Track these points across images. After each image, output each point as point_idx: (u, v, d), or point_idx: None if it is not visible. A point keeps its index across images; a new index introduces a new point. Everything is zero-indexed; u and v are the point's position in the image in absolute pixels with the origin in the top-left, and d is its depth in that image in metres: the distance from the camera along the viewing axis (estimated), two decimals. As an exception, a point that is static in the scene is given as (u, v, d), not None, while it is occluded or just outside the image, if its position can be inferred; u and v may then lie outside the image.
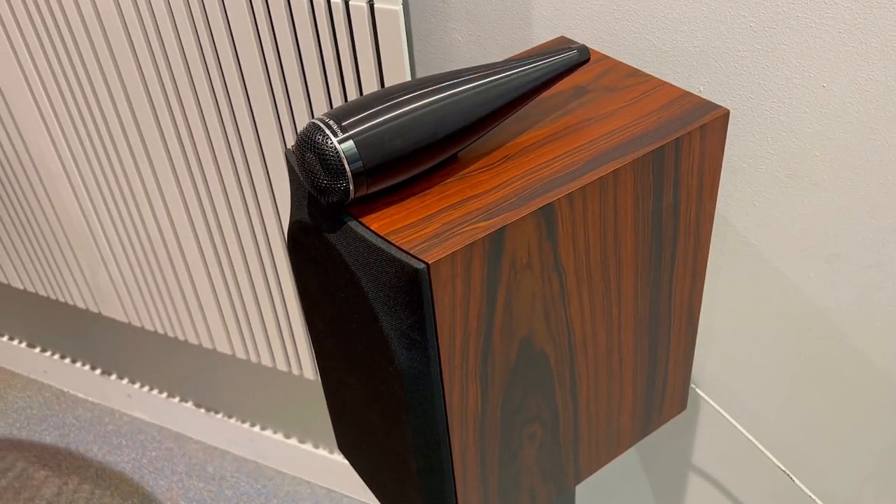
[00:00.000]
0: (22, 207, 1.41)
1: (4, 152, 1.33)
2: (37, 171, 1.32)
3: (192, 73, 1.04)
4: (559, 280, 0.64)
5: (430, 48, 0.93)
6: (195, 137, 1.11)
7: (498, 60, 0.86)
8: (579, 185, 0.60)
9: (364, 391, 0.69)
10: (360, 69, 0.90)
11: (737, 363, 0.98)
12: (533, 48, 0.77)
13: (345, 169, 0.56)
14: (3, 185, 1.40)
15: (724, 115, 0.67)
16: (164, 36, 1.02)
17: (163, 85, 1.07)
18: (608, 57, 0.75)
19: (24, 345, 1.98)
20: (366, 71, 0.90)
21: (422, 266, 0.54)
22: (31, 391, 2.01)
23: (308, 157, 0.56)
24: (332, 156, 0.55)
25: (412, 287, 0.55)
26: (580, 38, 0.85)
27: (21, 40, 1.15)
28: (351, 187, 0.57)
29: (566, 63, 0.65)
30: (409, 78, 0.88)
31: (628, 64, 0.75)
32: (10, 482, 1.80)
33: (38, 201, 1.37)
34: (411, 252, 0.55)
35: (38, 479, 1.80)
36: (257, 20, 0.94)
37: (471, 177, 0.62)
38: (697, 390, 0.99)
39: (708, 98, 0.82)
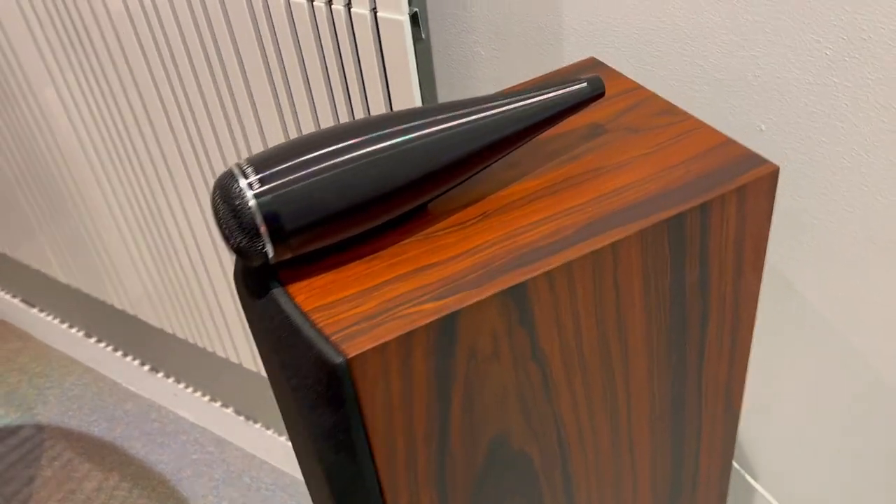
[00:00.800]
0: (63, 213, 1.38)
1: (46, 161, 1.30)
2: (75, 181, 1.28)
3: (202, 84, 0.95)
4: (540, 371, 0.51)
5: (451, 61, 0.81)
6: (208, 148, 1.03)
7: (524, 80, 0.73)
8: (564, 259, 0.47)
9: (321, 482, 0.58)
10: (365, 84, 0.79)
11: (799, 450, 0.82)
12: (547, 74, 0.64)
13: (259, 229, 0.45)
14: (47, 192, 1.37)
15: (772, 174, 0.52)
16: (173, 45, 0.94)
17: (159, 92, 0.99)
18: (641, 87, 0.61)
19: (81, 333, 1.98)
20: (371, 86, 0.78)
21: (340, 360, 0.43)
22: (86, 380, 2.01)
23: (221, 210, 0.46)
24: (245, 212, 0.45)
25: (331, 382, 0.44)
26: (618, 59, 0.71)
27: (51, 54, 1.10)
28: (269, 250, 0.46)
29: (569, 99, 0.52)
30: (417, 94, 0.76)
31: (665, 99, 0.61)
32: (55, 472, 1.80)
33: (77, 210, 1.34)
34: (331, 339, 0.44)
35: (81, 472, 1.79)
36: (261, 32, 0.84)
37: (435, 237, 0.50)
38: (748, 477, 0.84)
39: (771, 140, 0.67)
